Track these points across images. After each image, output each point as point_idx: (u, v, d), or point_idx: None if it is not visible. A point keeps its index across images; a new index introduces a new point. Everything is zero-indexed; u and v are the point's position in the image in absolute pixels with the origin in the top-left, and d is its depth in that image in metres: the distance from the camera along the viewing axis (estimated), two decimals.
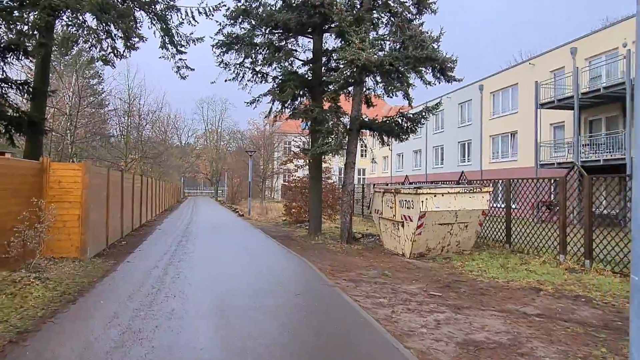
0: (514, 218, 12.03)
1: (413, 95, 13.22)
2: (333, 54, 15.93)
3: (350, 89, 16.13)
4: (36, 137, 12.63)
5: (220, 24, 14.74)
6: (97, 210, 10.89)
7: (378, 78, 14.62)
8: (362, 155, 60.28)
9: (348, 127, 12.89)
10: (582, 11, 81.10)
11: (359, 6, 13.10)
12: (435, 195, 10.51)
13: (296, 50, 15.03)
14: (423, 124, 13.14)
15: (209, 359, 4.42)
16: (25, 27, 11.10)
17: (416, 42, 11.19)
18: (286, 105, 14.65)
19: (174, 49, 16.56)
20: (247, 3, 14.12)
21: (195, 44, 16.91)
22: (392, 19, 12.91)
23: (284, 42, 14.94)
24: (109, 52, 13.77)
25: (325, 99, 15.25)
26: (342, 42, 14.89)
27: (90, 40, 13.17)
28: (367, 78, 13.59)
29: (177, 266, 9.36)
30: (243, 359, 4.41)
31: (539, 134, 22.66)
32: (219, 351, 4.62)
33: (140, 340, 4.84)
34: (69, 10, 12.29)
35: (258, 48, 14.99)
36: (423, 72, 13.27)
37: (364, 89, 13.62)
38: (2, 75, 12.12)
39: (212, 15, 15.46)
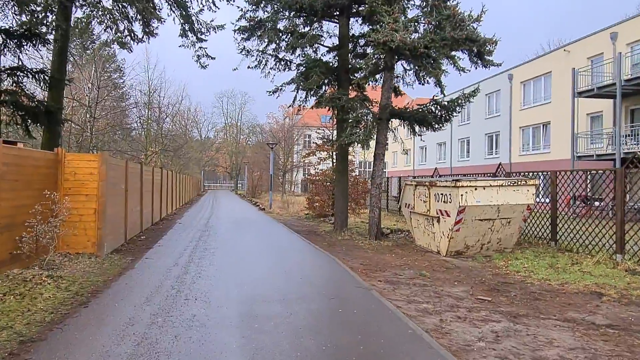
0: (549, 213, 11.07)
1: (432, 87, 12.34)
2: (360, 40, 15.10)
3: (377, 76, 15.37)
4: (54, 127, 12.18)
5: (241, 9, 14.05)
6: (115, 204, 10.37)
7: (407, 66, 13.78)
8: None
9: (377, 116, 12.06)
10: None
11: None
12: (475, 189, 9.64)
13: (321, 36, 14.23)
14: (459, 112, 12.22)
15: None
16: (39, 8, 10.56)
17: (454, 22, 10.27)
18: (311, 93, 13.89)
19: (194, 37, 15.97)
20: None
21: (215, 32, 16.29)
22: None
23: (309, 28, 14.15)
24: (126, 35, 13.22)
25: (351, 87, 14.47)
26: (370, 26, 14.06)
27: (106, 21, 12.60)
28: (397, 64, 12.72)
29: (198, 264, 8.75)
30: None
31: (575, 124, 21.37)
32: None
33: (157, 354, 4.19)
34: None
35: (281, 34, 14.27)
36: (456, 57, 12.38)
37: (393, 77, 12.74)
38: (18, 63, 11.69)
39: (234, 1, 14.78)
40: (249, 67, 14.24)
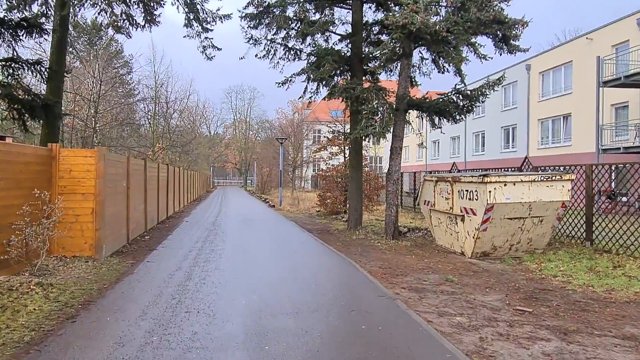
0: (576, 210, 10.20)
1: (442, 79, 11.50)
2: (373, 27, 14.27)
3: (392, 66, 14.54)
4: (53, 122, 11.54)
5: None
6: (116, 203, 9.71)
7: (425, 54, 12.93)
8: None
9: (395, 106, 11.23)
10: None
11: None
12: (505, 184, 8.80)
13: (333, 22, 13.41)
14: (483, 101, 11.34)
15: None
16: None
17: (480, 3, 9.40)
18: (323, 84, 13.09)
19: (199, 27, 15.25)
20: None
21: (222, 22, 15.53)
22: None
23: (320, 14, 13.33)
24: (124, 20, 12.51)
25: (364, 78, 13.66)
26: (385, 12, 13.23)
27: (99, 3, 11.89)
28: (414, 52, 11.88)
29: (202, 268, 8.04)
30: None
31: (600, 115, 20.31)
32: None
33: None
34: None
35: (291, 22, 13.49)
36: (477, 44, 11.50)
37: (411, 65, 11.89)
38: (13, 54, 11.06)
39: None
40: (256, 55, 13.49)
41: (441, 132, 12.54)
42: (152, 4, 12.42)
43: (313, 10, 13.06)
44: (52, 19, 12.35)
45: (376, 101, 11.11)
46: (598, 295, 6.70)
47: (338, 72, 13.34)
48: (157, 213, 15.27)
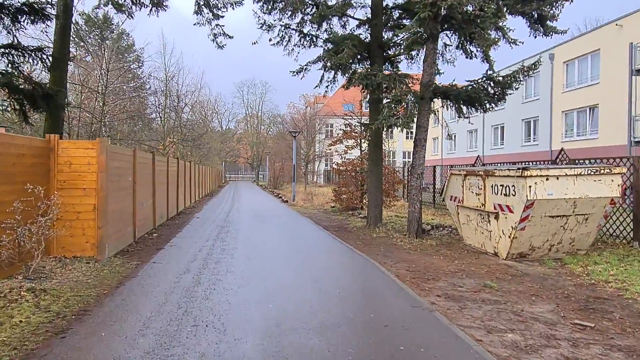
0: (621, 207, 9.26)
1: (452, 73, 10.58)
2: (394, 12, 13.35)
3: (412, 53, 13.65)
4: (55, 113, 10.89)
5: None
6: (120, 199, 9.03)
7: (451, 38, 12.01)
8: (407, 137, 57.25)
9: (420, 95, 10.36)
10: None
11: None
12: (547, 179, 7.90)
13: (351, 5, 12.54)
14: (517, 88, 10.41)
15: None
16: None
17: None
18: (341, 71, 12.25)
19: (210, 13, 14.51)
20: None
21: (233, 8, 14.78)
22: None
23: None
24: None
25: (384, 66, 12.81)
26: None
27: None
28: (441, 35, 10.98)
29: (213, 270, 7.32)
30: None
31: (633, 106, 19.15)
32: None
33: None
34: None
35: (306, 7, 12.68)
36: (506, 28, 10.58)
37: (437, 49, 10.99)
38: (13, 41, 10.41)
39: None
40: (270, 40, 12.68)
41: (469, 122, 11.58)
42: None
43: None
44: (55, 4, 11.69)
45: (399, 89, 10.24)
46: None
47: (357, 58, 12.49)
48: (167, 209, 14.63)
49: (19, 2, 10.68)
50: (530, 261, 8.60)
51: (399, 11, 13.18)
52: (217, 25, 14.72)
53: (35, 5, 10.81)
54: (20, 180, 6.64)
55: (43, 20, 11.13)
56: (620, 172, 8.14)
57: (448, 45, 12.59)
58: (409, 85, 10.98)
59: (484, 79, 10.44)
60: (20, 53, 10.22)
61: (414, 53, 13.64)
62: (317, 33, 13.16)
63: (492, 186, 9.01)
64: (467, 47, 11.21)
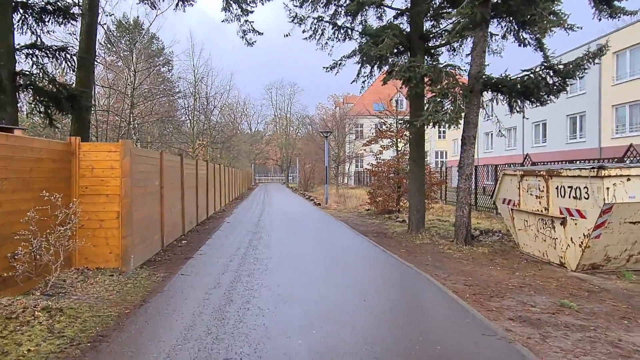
0: None
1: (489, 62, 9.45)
2: (433, 1, 12.39)
3: (454, 45, 12.64)
4: (80, 115, 10.49)
5: None
6: (146, 204, 8.44)
7: (500, 25, 10.96)
8: (439, 137, 55.62)
9: (470, 87, 9.36)
10: None
11: None
12: (628, 179, 6.81)
13: None
14: (581, 77, 9.30)
15: None
16: None
17: None
18: (379, 63, 11.35)
19: (239, 9, 13.91)
20: None
21: (262, 4, 14.18)
22: None
23: None
24: None
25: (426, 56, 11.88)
26: None
27: None
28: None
29: (246, 285, 6.58)
30: None
31: None
32: None
33: None
34: None
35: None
36: (561, 13, 9.45)
37: (487, 36, 9.97)
38: (36, 41, 10.05)
39: None
40: (303, 31, 11.91)
41: (524, 116, 10.49)
42: None
43: None
44: (81, 4, 11.31)
45: (446, 81, 9.28)
46: None
47: (396, 50, 11.59)
48: (197, 214, 14.09)
49: (43, 1, 10.34)
50: (605, 273, 7.50)
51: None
52: (246, 21, 14.12)
53: (60, 4, 10.45)
54: (39, 187, 6.08)
55: (68, 20, 10.78)
56: None
57: (494, 34, 11.56)
58: (456, 77, 9.99)
59: (543, 67, 9.34)
60: (43, 53, 9.84)
61: (456, 45, 12.66)
62: (352, 25, 12.32)
63: (557, 188, 7.94)
64: (521, 34, 10.13)
